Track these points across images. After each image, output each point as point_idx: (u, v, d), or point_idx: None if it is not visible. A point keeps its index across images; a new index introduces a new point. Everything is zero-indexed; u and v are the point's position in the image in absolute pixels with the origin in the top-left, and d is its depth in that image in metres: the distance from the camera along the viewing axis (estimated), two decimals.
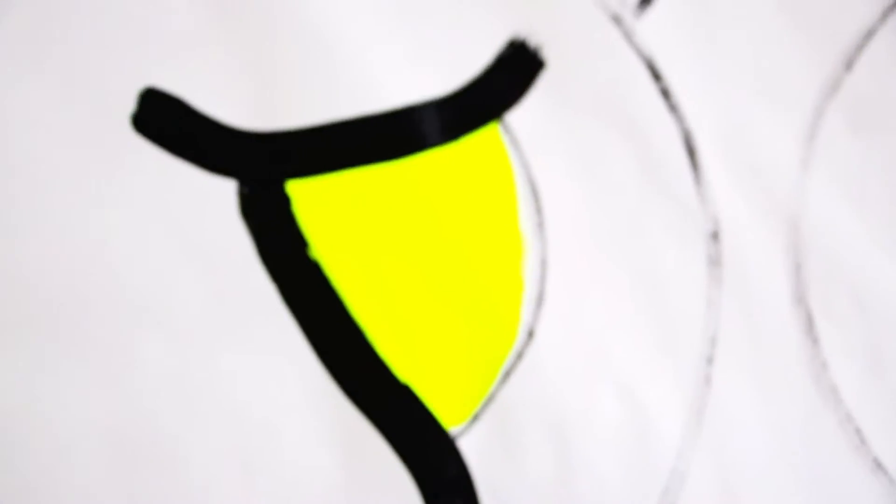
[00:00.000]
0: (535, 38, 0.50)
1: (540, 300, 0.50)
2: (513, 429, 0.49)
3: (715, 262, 0.51)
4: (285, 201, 0.48)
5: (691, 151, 0.51)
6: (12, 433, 0.44)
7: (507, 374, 0.49)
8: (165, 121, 0.47)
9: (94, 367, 0.45)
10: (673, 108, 0.51)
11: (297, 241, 0.47)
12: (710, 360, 0.51)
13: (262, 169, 0.48)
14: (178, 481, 0.45)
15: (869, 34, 0.52)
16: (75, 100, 0.46)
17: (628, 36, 0.50)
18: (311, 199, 0.48)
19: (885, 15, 0.52)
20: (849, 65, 0.52)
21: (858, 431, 0.52)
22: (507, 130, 0.50)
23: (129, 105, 0.46)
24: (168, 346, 0.46)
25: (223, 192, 0.47)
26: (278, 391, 0.47)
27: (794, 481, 0.51)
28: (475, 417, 0.49)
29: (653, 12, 0.51)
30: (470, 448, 0.49)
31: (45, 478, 0.44)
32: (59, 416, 0.44)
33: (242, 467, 0.46)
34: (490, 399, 0.49)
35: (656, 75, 0.51)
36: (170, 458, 0.45)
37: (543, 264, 0.50)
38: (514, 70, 0.50)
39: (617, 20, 0.50)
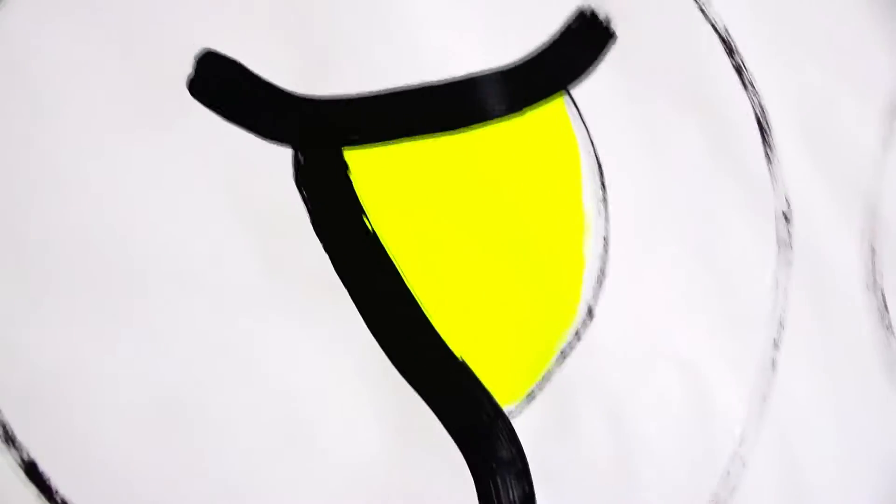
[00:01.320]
0: (605, 8, 0.49)
1: (601, 278, 0.49)
2: (569, 409, 0.48)
3: (785, 243, 0.50)
4: (343, 170, 0.47)
5: (764, 129, 0.50)
6: (63, 393, 0.43)
7: (565, 354, 0.48)
8: (222, 85, 0.46)
9: (143, 331, 0.44)
10: (747, 84, 0.50)
11: (353, 211, 0.47)
12: (776, 344, 0.50)
13: (320, 136, 0.47)
14: (224, 448, 0.44)
15: None
16: (133, 59, 0.45)
17: (703, 8, 0.49)
18: (370, 168, 0.47)
19: None
20: None
21: None
22: (573, 104, 0.49)
23: (187, 68, 0.46)
24: (218, 314, 0.45)
25: (278, 158, 0.46)
26: (328, 363, 0.46)
27: (862, 472, 0.50)
28: (530, 396, 0.48)
29: None
30: (524, 427, 0.47)
31: (94, 438, 0.43)
32: (108, 378, 0.44)
33: (288, 438, 0.45)
34: (546, 378, 0.48)
35: (730, 50, 0.50)
36: (216, 424, 0.44)
37: (606, 242, 0.49)
38: (582, 41, 0.49)
39: None
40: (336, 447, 0.45)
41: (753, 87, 0.50)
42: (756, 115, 0.50)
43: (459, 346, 0.47)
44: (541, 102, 0.48)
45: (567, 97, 0.49)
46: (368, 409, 0.46)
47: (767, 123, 0.50)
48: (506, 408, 0.47)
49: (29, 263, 0.43)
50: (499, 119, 0.48)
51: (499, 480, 0.47)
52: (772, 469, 0.48)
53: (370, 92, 0.47)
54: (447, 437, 0.46)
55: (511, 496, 0.47)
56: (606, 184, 0.49)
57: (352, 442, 0.45)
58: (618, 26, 0.49)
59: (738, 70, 0.50)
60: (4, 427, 0.42)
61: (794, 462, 0.49)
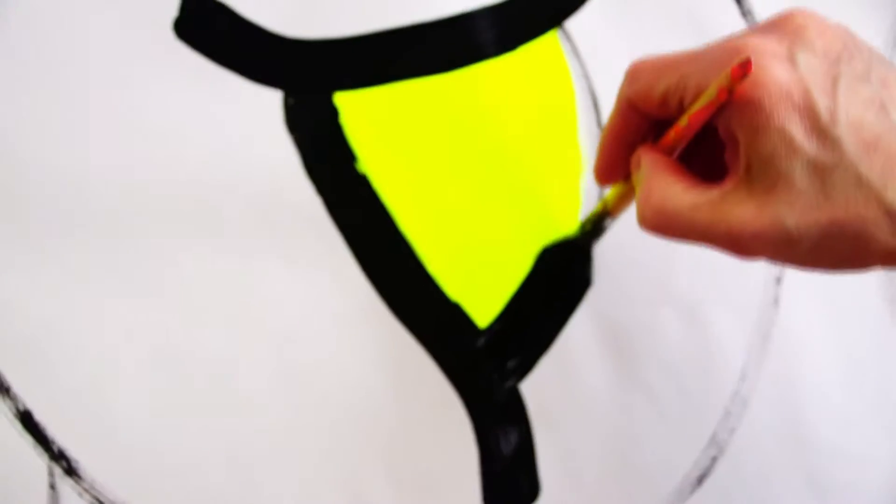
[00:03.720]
0: None
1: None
2: (566, 346, 0.47)
3: None
4: (333, 113, 0.46)
5: None
6: (57, 343, 0.43)
7: None
8: (208, 26, 0.45)
9: (135, 279, 0.44)
10: (745, 13, 0.49)
11: (345, 155, 0.46)
12: (778, 280, 0.49)
13: (310, 79, 0.46)
14: (220, 393, 0.44)
15: None
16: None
17: None
18: (361, 111, 0.46)
19: None
20: None
21: None
22: (567, 38, 0.48)
23: (173, 10, 0.45)
24: (210, 260, 0.45)
25: (268, 102, 0.46)
26: (321, 305, 0.45)
27: (863, 408, 0.49)
28: None
29: None
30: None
31: (89, 387, 0.43)
32: (102, 327, 0.43)
33: (287, 382, 0.45)
34: None
35: None
36: (211, 369, 0.44)
37: None
38: None
39: None
40: (332, 387, 0.45)
41: (753, 16, 0.49)
42: None
43: (454, 288, 0.46)
44: (534, 39, 0.47)
45: (561, 31, 0.47)
46: (363, 349, 0.45)
47: None
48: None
49: (21, 215, 0.43)
50: (492, 58, 0.47)
51: (496, 421, 0.46)
52: (772, 408, 0.48)
53: (360, 33, 0.46)
54: (445, 381, 0.46)
55: (505, 430, 0.46)
56: (603, 120, 0.48)
57: (347, 381, 0.45)
58: None
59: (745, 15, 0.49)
60: None
61: (794, 400, 0.48)
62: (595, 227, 0.44)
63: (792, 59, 0.29)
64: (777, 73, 0.29)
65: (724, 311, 0.48)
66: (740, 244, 0.31)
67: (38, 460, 0.42)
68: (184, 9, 0.45)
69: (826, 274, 0.32)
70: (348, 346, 0.45)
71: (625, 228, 0.47)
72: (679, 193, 0.32)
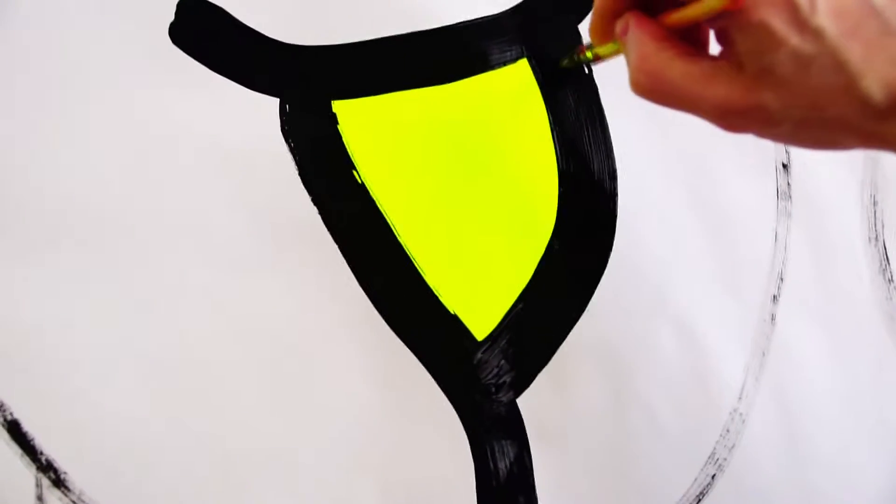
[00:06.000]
0: None
1: None
2: (563, 362, 0.47)
3: (784, 194, 0.49)
4: (332, 120, 0.45)
5: None
6: (46, 352, 0.42)
7: None
8: (205, 32, 0.45)
9: (127, 288, 0.43)
10: None
11: (343, 163, 0.45)
12: (775, 299, 0.49)
13: (309, 86, 0.45)
14: (212, 402, 0.43)
15: None
16: (117, 5, 0.44)
17: None
18: (359, 119, 0.46)
19: None
20: None
21: None
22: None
23: (169, 15, 0.44)
24: (204, 268, 0.44)
25: (265, 109, 0.45)
26: (317, 317, 0.45)
27: (859, 425, 0.49)
28: None
29: None
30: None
31: (78, 397, 0.42)
32: (91, 337, 0.43)
33: (281, 393, 0.44)
34: None
35: None
36: (203, 379, 0.43)
37: None
38: None
39: None
40: (327, 399, 0.44)
41: None
42: None
43: (450, 296, 0.46)
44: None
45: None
46: (358, 361, 0.45)
47: None
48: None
49: (9, 220, 0.42)
50: (491, 69, 0.47)
51: (492, 435, 0.46)
52: (771, 424, 0.48)
53: (358, 41, 0.46)
54: (438, 392, 0.45)
55: (502, 445, 0.46)
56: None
57: (342, 393, 0.45)
58: None
59: None
60: None
61: (792, 417, 0.48)
62: (580, 65, 0.46)
63: None
64: None
65: (721, 329, 0.48)
66: (726, 119, 0.32)
67: (25, 471, 0.41)
68: (180, 14, 0.45)
69: (810, 151, 0.33)
70: (343, 358, 0.45)
71: (623, 246, 0.47)
72: (672, 61, 0.33)
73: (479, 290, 0.46)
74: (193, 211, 0.44)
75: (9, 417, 0.41)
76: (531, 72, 0.48)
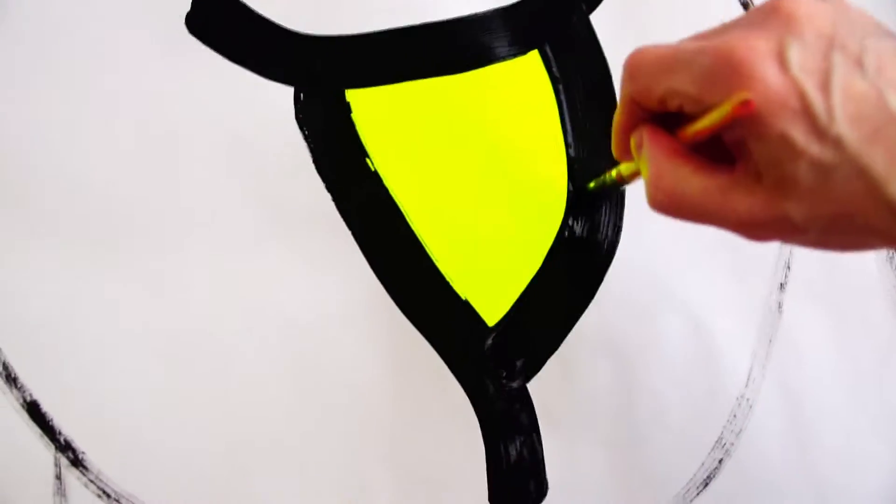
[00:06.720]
0: None
1: None
2: (573, 349, 0.47)
3: None
4: (346, 109, 0.46)
5: None
6: (64, 334, 0.43)
7: None
8: (221, 22, 0.45)
9: (144, 271, 0.44)
10: None
11: (356, 151, 0.46)
12: (782, 287, 0.49)
13: (322, 75, 0.46)
14: (226, 382, 0.44)
15: None
16: None
17: None
18: (373, 108, 0.46)
19: None
20: None
21: None
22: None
23: (186, 5, 0.45)
24: (218, 252, 0.45)
25: (280, 97, 0.46)
26: (331, 303, 0.45)
27: (865, 414, 0.49)
28: None
29: None
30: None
31: (96, 378, 0.43)
32: (109, 318, 0.43)
33: (293, 377, 0.45)
34: None
35: None
36: (217, 360, 0.44)
37: None
38: None
39: None
40: (338, 383, 0.45)
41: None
42: None
43: (462, 282, 0.46)
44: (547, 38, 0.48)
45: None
46: (369, 346, 0.45)
47: None
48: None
49: (26, 203, 0.43)
50: (504, 59, 0.47)
51: (500, 417, 0.46)
52: (777, 410, 0.48)
53: (371, 31, 0.47)
54: (449, 376, 0.46)
55: (513, 430, 0.46)
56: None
57: (354, 377, 0.45)
58: None
59: (745, 6, 0.49)
60: (6, 367, 0.42)
61: (798, 403, 0.48)
62: (608, 189, 0.45)
63: (783, 59, 0.29)
64: (771, 81, 0.28)
65: (728, 317, 0.48)
66: (750, 231, 0.31)
67: (44, 451, 0.42)
68: (196, 4, 0.45)
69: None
70: (355, 343, 0.45)
71: (631, 236, 0.48)
72: (688, 177, 0.32)
73: (491, 276, 0.47)
74: (208, 198, 0.45)
75: (28, 398, 0.42)
76: (541, 62, 0.48)
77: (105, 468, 0.43)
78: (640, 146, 0.35)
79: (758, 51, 0.29)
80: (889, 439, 0.49)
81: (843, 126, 0.28)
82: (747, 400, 0.48)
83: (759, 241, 0.32)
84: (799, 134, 0.28)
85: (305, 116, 0.46)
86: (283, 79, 0.46)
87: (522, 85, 0.48)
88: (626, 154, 0.37)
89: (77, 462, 0.42)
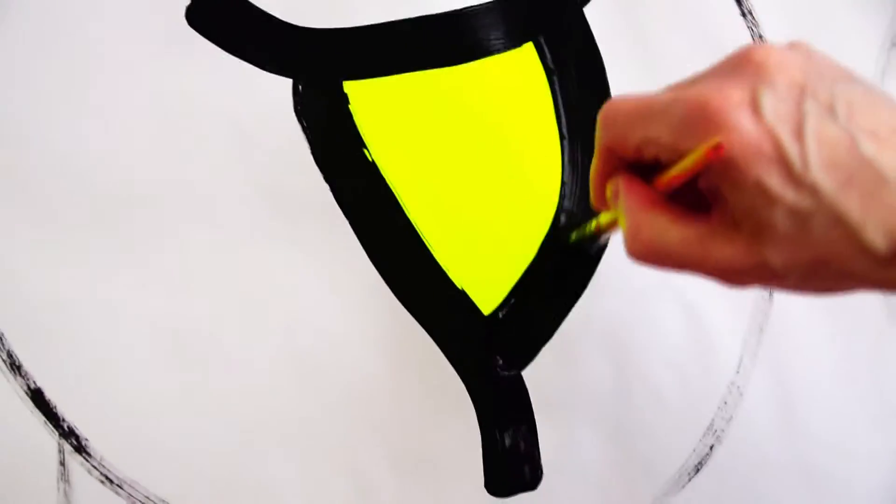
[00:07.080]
0: None
1: None
2: (568, 336, 0.48)
3: None
4: (343, 100, 0.47)
5: None
6: (67, 322, 0.44)
7: None
8: (220, 15, 0.46)
9: (144, 260, 0.45)
10: (745, 12, 0.49)
11: (354, 141, 0.47)
12: None
13: (320, 67, 0.47)
14: (228, 373, 0.45)
15: None
16: None
17: None
18: (370, 99, 0.47)
19: None
20: None
21: None
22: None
23: None
24: (218, 244, 0.45)
25: (278, 89, 0.46)
26: (330, 293, 0.46)
27: (855, 399, 0.50)
28: None
29: None
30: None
31: (99, 366, 0.44)
32: (112, 307, 0.44)
33: (293, 365, 0.45)
34: None
35: None
36: (219, 351, 0.45)
37: None
38: None
39: None
40: (337, 372, 0.46)
41: (752, 15, 0.50)
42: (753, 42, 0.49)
43: (457, 271, 0.47)
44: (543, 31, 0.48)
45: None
46: (368, 335, 0.46)
47: None
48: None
49: (31, 193, 0.44)
50: (500, 52, 0.48)
51: (499, 408, 0.47)
52: (767, 397, 0.49)
53: (369, 23, 0.47)
54: (448, 367, 0.47)
55: (508, 417, 0.47)
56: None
57: (352, 366, 0.46)
58: None
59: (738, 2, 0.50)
60: (10, 355, 0.43)
61: (789, 391, 0.49)
62: (590, 239, 0.45)
63: (756, 107, 0.29)
64: (746, 129, 0.29)
65: (720, 304, 0.49)
66: (731, 278, 0.32)
67: (48, 437, 0.43)
68: None
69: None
70: (354, 332, 0.46)
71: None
72: (667, 227, 0.32)
73: (486, 266, 0.47)
74: (207, 190, 0.45)
75: (32, 385, 0.43)
76: (536, 54, 0.48)
77: (108, 455, 0.43)
78: (616, 196, 0.35)
79: (732, 100, 0.29)
80: (882, 425, 0.50)
81: (819, 173, 0.28)
82: (738, 387, 0.49)
83: (739, 287, 0.32)
84: (774, 181, 0.29)
85: (304, 108, 0.46)
86: (281, 71, 0.46)
87: (517, 76, 0.48)
88: (605, 203, 0.37)
89: (80, 448, 0.43)
